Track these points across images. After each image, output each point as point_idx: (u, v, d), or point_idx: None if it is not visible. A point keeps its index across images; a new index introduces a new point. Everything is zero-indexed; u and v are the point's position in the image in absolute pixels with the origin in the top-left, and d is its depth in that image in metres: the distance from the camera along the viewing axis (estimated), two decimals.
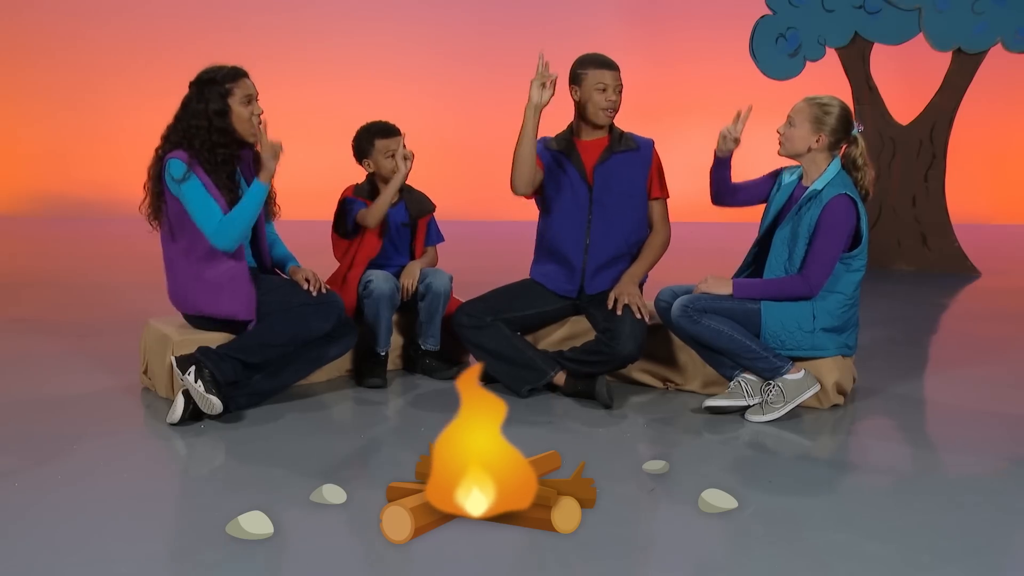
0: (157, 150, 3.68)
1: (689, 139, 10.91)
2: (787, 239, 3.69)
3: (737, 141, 3.83)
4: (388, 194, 4.09)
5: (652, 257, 4.06)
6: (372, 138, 4.19)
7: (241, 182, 3.75)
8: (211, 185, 3.60)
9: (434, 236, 4.43)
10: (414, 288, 4.18)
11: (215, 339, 3.66)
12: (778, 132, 3.75)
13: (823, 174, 3.68)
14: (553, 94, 3.84)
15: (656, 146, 4.09)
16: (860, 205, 3.64)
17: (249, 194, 3.60)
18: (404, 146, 4.12)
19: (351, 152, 4.28)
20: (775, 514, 2.71)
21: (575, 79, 3.96)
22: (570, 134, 4.06)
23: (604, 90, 3.92)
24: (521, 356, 3.91)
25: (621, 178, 3.99)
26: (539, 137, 4.06)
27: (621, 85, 3.95)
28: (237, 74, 3.66)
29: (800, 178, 3.80)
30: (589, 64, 3.95)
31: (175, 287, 3.78)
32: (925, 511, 2.74)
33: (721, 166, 3.89)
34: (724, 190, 3.94)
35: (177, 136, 3.63)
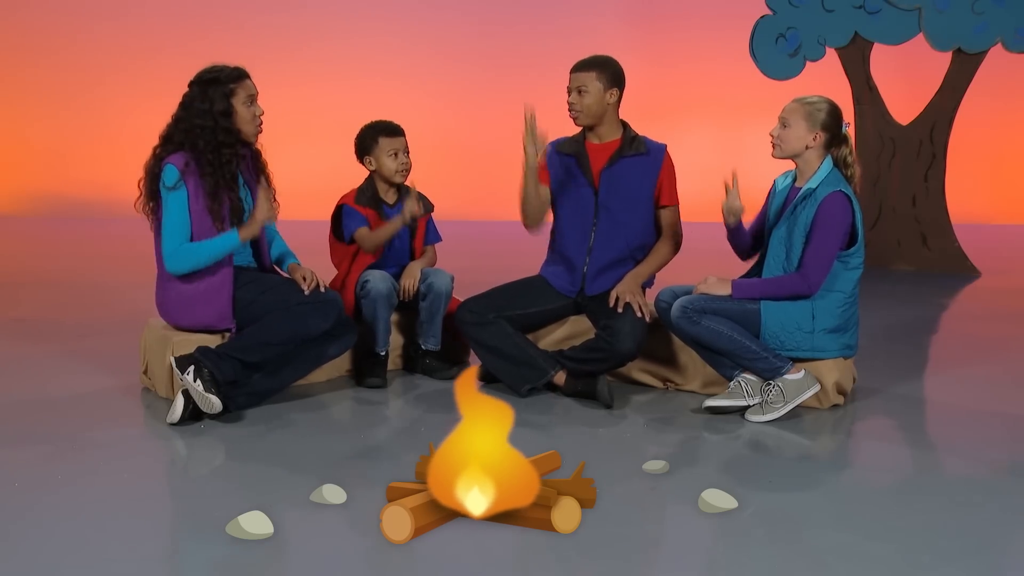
0: (155, 149, 3.67)
1: (689, 139, 10.93)
2: (784, 238, 3.69)
3: (742, 208, 3.80)
4: (391, 230, 4.11)
5: (658, 262, 4.06)
6: (376, 135, 4.19)
7: (240, 181, 3.75)
8: (200, 198, 3.59)
9: (432, 235, 4.43)
10: (415, 289, 4.18)
11: (214, 339, 3.67)
12: (771, 135, 3.74)
13: (816, 173, 3.68)
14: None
15: (669, 151, 4.07)
16: (855, 202, 3.65)
17: (220, 240, 3.60)
18: (414, 200, 4.06)
19: (351, 151, 4.27)
20: (775, 514, 2.71)
21: None
22: (582, 136, 4.06)
23: (568, 93, 3.95)
24: (522, 354, 3.91)
25: (627, 183, 3.98)
26: (551, 140, 4.07)
27: (587, 86, 3.89)
28: (240, 74, 3.67)
29: (794, 180, 3.80)
30: None
31: (157, 294, 3.79)
32: (925, 511, 2.74)
33: (736, 232, 3.88)
34: (745, 246, 3.93)
35: (180, 137, 3.62)
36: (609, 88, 3.93)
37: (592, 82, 3.91)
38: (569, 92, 3.94)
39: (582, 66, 3.94)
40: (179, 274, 3.64)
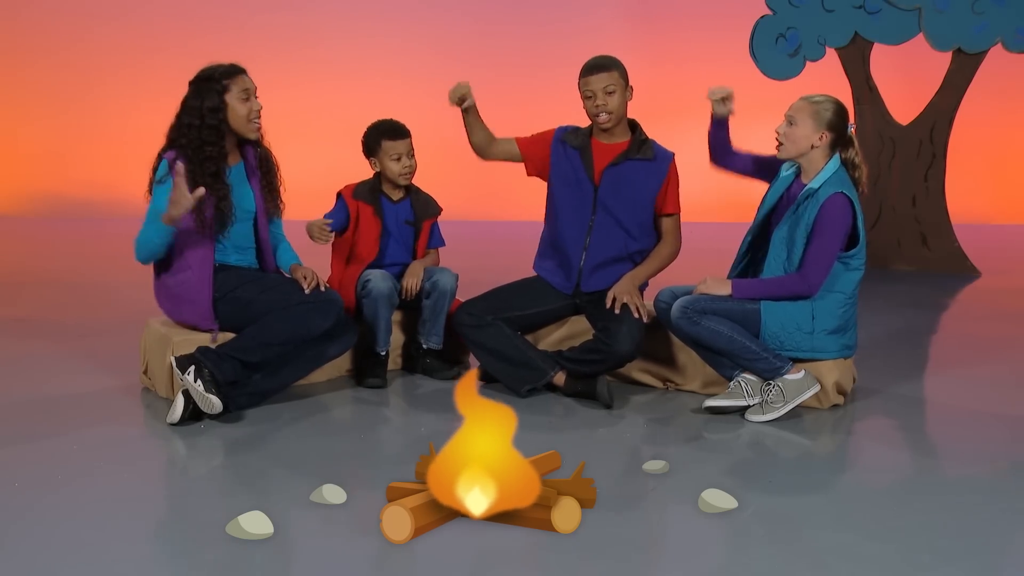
0: (160, 150, 3.70)
1: (689, 139, 10.88)
2: (785, 239, 3.69)
3: (728, 102, 3.81)
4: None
5: (657, 264, 4.05)
6: (379, 138, 4.19)
7: (242, 179, 3.74)
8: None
9: (436, 239, 4.42)
10: (418, 288, 4.18)
11: (222, 337, 3.66)
12: (777, 133, 3.73)
13: (821, 172, 3.67)
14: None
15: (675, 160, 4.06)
16: (856, 203, 3.64)
17: (154, 228, 3.56)
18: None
19: (353, 150, 4.28)
20: (775, 514, 2.71)
21: (579, 89, 3.96)
22: (589, 131, 4.03)
23: (591, 97, 3.89)
24: (521, 355, 3.91)
25: (630, 185, 3.97)
26: (567, 127, 4.06)
27: (615, 85, 3.86)
28: (234, 71, 3.66)
29: (797, 174, 3.79)
30: (580, 73, 3.93)
31: (154, 289, 3.83)
32: (925, 511, 2.74)
33: (718, 127, 3.89)
34: (723, 151, 3.94)
35: (173, 134, 3.65)
36: (628, 86, 3.94)
37: (618, 81, 3.88)
38: (592, 95, 3.88)
39: (604, 67, 3.88)
40: (144, 263, 3.67)
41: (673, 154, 4.05)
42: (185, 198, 3.43)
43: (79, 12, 11.56)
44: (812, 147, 3.67)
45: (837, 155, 3.70)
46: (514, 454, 2.39)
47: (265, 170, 3.84)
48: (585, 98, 3.91)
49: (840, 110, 3.68)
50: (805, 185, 3.71)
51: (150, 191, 3.68)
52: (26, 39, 11.53)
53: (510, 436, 2.36)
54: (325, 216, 4.15)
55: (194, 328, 3.75)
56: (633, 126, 4.04)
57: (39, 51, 11.55)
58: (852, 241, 3.66)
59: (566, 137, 4.04)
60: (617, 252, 4.02)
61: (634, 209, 3.99)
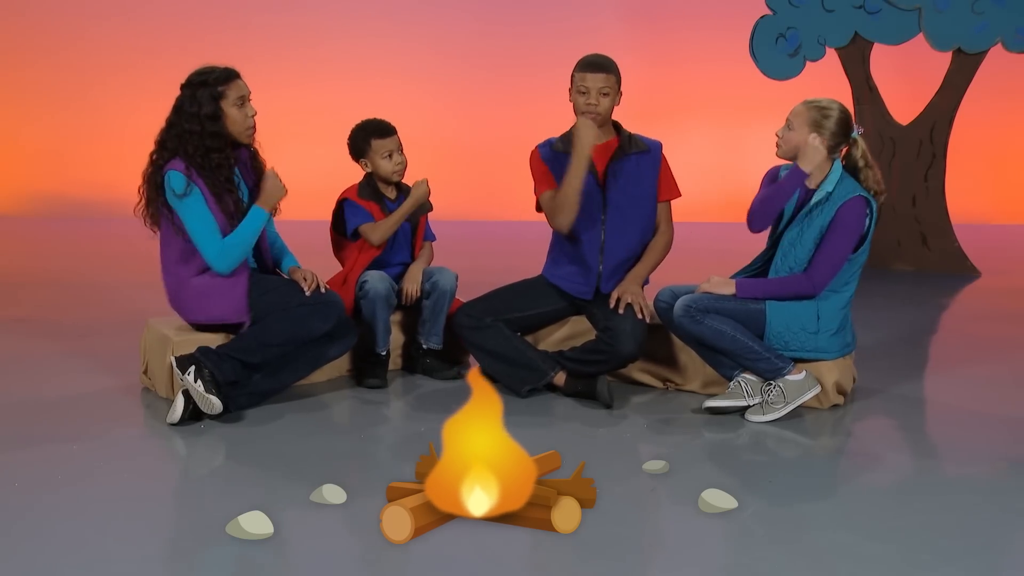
0: (152, 155, 3.65)
1: (689, 139, 10.91)
2: (794, 240, 3.68)
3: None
4: (399, 216, 4.11)
5: (656, 258, 4.05)
6: (368, 138, 4.18)
7: (241, 181, 3.74)
8: (210, 197, 3.58)
9: (429, 234, 4.44)
10: (418, 294, 4.17)
11: (215, 339, 3.66)
12: (776, 135, 3.73)
13: (828, 177, 3.66)
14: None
15: (663, 148, 4.07)
16: (873, 206, 3.64)
17: (249, 219, 3.61)
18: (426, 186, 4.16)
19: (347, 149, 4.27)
20: (775, 514, 2.71)
21: (571, 79, 3.95)
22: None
23: (584, 93, 3.88)
24: (521, 356, 3.91)
25: (633, 179, 3.97)
26: (544, 140, 4.05)
27: (610, 88, 3.85)
28: (229, 76, 3.63)
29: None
30: (578, 65, 3.91)
31: (171, 293, 3.78)
32: (925, 511, 2.74)
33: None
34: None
35: (172, 142, 3.60)
36: (619, 91, 3.93)
37: (613, 84, 3.87)
38: (586, 92, 3.85)
39: (605, 67, 3.87)
40: (231, 270, 3.62)
41: (660, 143, 4.06)
42: (281, 186, 3.68)
43: (79, 12, 11.56)
44: None
45: (838, 159, 3.69)
46: (511, 447, 2.38)
47: (258, 171, 3.83)
48: (578, 92, 3.90)
49: (841, 118, 3.65)
50: (812, 190, 3.70)
51: (152, 203, 3.64)
52: (26, 39, 11.51)
53: (497, 423, 2.34)
54: (348, 227, 4.12)
55: (219, 325, 3.70)
56: (615, 124, 4.04)
57: (39, 51, 11.53)
58: (859, 240, 3.65)
59: (555, 147, 4.02)
60: (631, 250, 4.00)
61: (641, 203, 3.98)
